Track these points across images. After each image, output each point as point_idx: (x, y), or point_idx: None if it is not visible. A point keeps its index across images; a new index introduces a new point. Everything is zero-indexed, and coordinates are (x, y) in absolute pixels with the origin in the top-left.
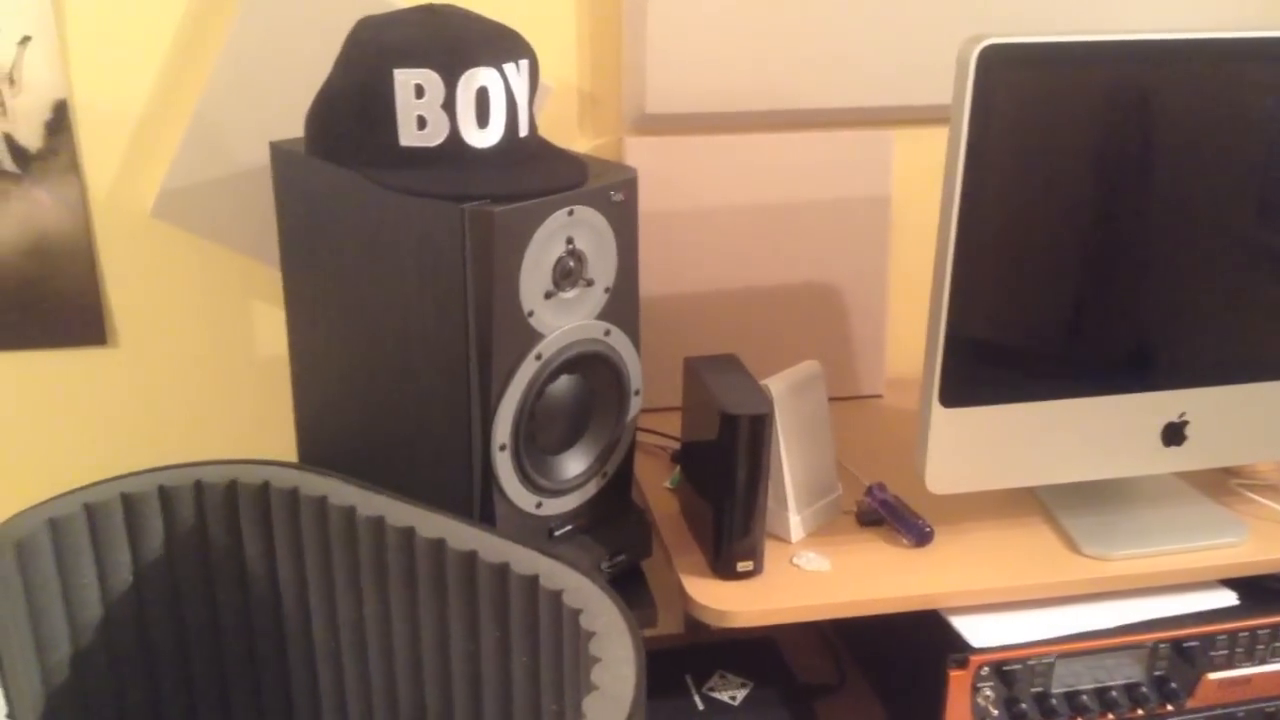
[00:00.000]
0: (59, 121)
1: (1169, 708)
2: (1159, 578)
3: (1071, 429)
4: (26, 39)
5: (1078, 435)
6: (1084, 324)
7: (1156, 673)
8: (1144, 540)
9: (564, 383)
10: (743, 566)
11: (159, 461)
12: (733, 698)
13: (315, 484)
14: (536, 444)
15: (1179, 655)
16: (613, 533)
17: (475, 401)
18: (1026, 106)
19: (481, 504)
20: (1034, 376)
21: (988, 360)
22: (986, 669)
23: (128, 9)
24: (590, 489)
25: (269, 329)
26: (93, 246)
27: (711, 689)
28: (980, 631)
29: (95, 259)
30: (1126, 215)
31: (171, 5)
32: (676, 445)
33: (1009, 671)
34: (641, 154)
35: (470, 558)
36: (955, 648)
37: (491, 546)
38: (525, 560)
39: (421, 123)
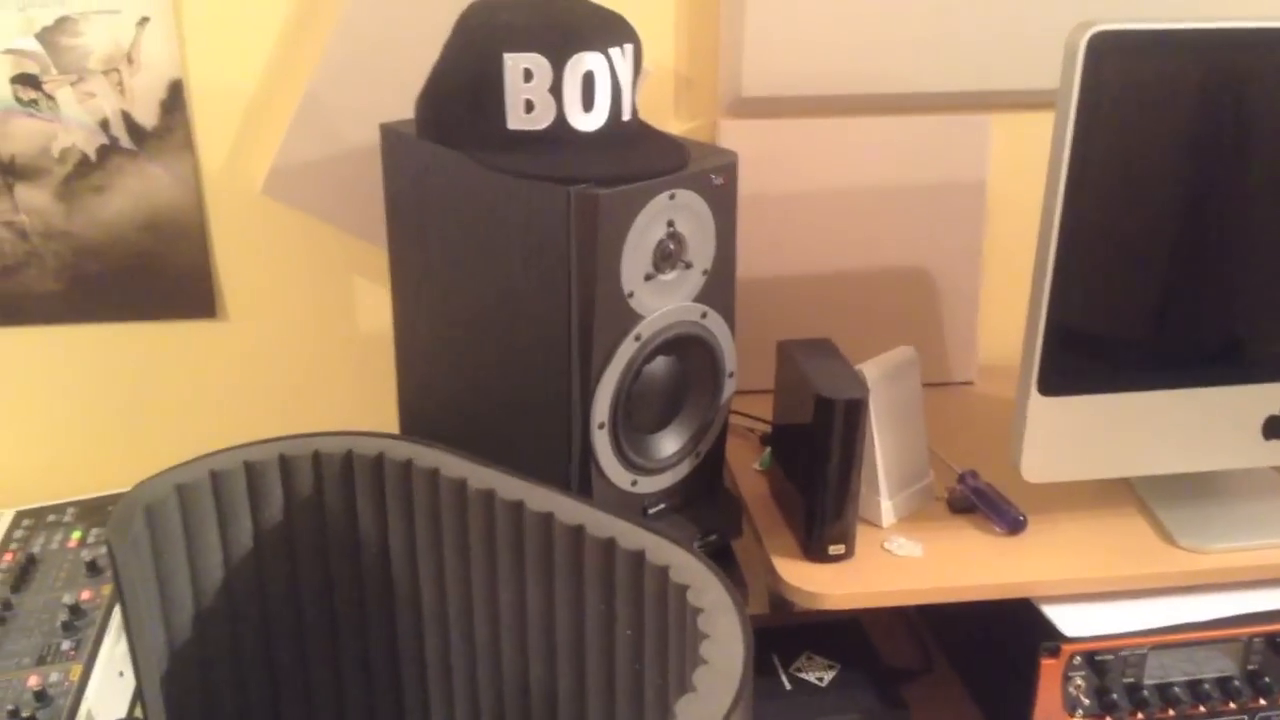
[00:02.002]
0: (174, 100)
1: (1262, 702)
2: (1255, 571)
3: (1171, 420)
4: (145, 20)
5: (1177, 426)
6: (1187, 314)
7: (1250, 667)
8: (1240, 533)
9: (660, 363)
10: (834, 550)
11: (261, 431)
12: (820, 679)
13: (428, 456)
14: (633, 423)
15: (1273, 650)
16: (704, 512)
17: (575, 380)
18: (1134, 94)
19: (579, 481)
20: (1134, 366)
21: (1088, 349)
22: (1079, 658)
23: None
24: (683, 468)
25: (372, 306)
26: (204, 222)
27: (799, 669)
28: (1073, 621)
29: (207, 234)
30: (1234, 204)
31: None
32: (766, 427)
33: (1101, 661)
34: (736, 137)
35: (578, 532)
36: (1048, 636)
37: (598, 521)
38: (631, 535)
39: (529, 106)
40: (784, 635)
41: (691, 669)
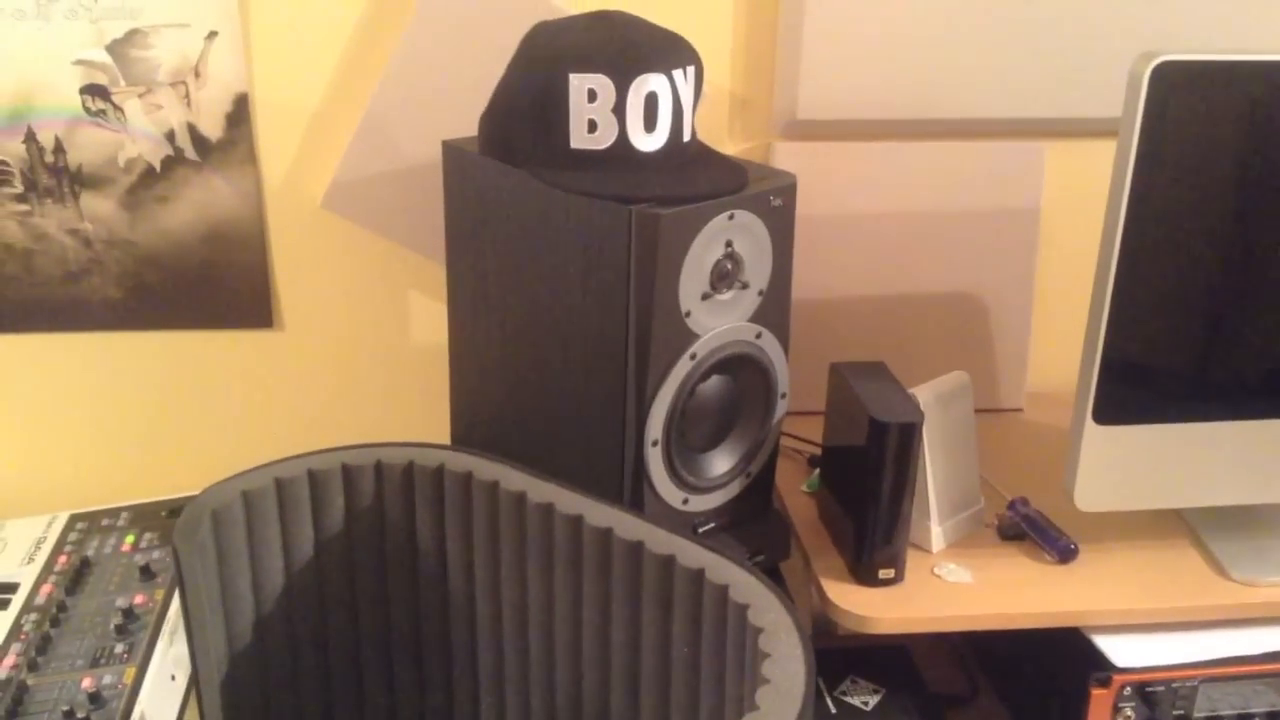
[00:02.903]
0: (239, 114)
1: None
2: None
3: (1228, 452)
4: (213, 34)
5: (1234, 458)
6: (1245, 345)
7: None
8: None
9: (714, 382)
10: (884, 574)
11: (313, 440)
12: (865, 703)
13: (488, 469)
14: (685, 441)
15: None
16: (753, 532)
17: (631, 397)
18: (1197, 124)
19: (631, 498)
20: (1191, 397)
21: (1144, 379)
22: (1129, 689)
23: (309, 7)
24: (734, 488)
25: (426, 319)
26: (265, 234)
27: (844, 693)
28: (1123, 651)
29: (266, 246)
30: None
31: (350, 5)
32: (812, 449)
33: (1152, 693)
34: (789, 159)
35: (637, 548)
36: (1098, 666)
37: (657, 538)
38: (691, 553)
39: (592, 126)
40: (829, 658)
41: (751, 688)
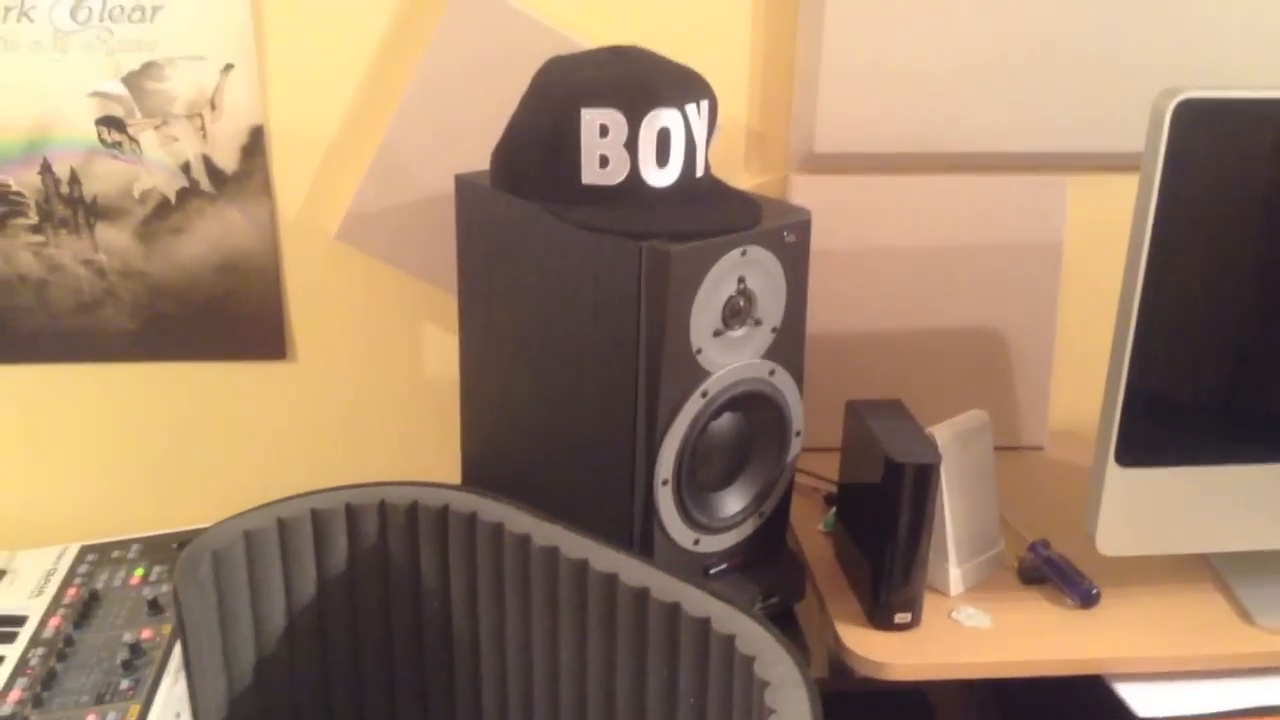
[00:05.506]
0: (254, 146)
1: None
2: None
3: (1254, 495)
4: (229, 67)
5: (1259, 502)
6: (1271, 386)
7: None
8: None
9: (726, 420)
10: (900, 618)
11: (325, 472)
12: None
13: (493, 510)
14: (697, 480)
15: None
16: (767, 574)
17: (641, 435)
18: (1219, 160)
19: (641, 538)
20: (1216, 439)
21: (1168, 420)
22: None
23: (324, 42)
24: (747, 528)
25: (438, 352)
26: (279, 266)
27: None
28: (1146, 700)
29: (280, 278)
30: None
31: (364, 39)
32: (830, 486)
33: None
34: (806, 193)
35: (642, 594)
36: (1120, 715)
37: (663, 585)
38: (697, 602)
39: (604, 161)
40: (847, 703)
41: None
